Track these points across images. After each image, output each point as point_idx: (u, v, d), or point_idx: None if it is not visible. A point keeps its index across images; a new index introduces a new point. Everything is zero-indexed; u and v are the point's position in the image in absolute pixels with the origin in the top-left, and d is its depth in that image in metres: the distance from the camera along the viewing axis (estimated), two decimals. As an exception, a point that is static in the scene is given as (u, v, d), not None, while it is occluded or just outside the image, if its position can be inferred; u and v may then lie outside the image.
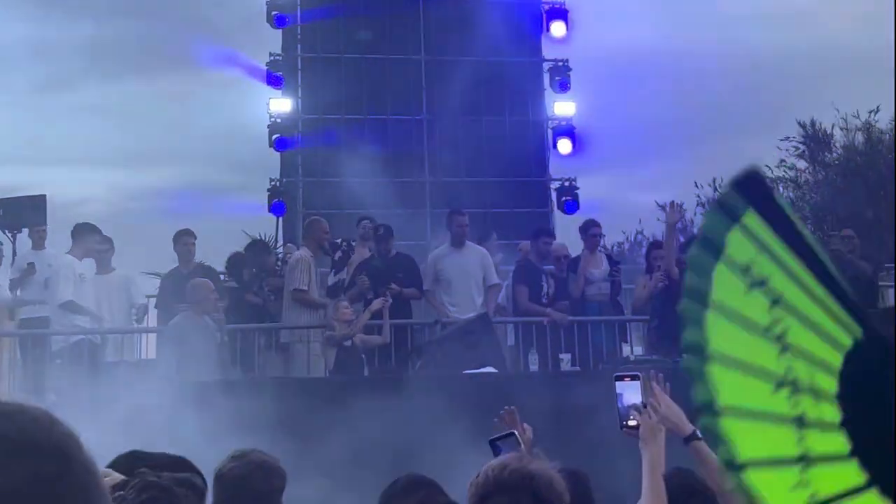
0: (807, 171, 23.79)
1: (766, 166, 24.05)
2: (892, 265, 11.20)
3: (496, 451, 3.51)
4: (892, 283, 10.98)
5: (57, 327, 9.82)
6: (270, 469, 3.37)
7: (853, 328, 0.96)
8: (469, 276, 10.46)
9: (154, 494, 1.90)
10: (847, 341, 0.96)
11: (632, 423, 3.46)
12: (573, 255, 11.39)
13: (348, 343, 9.52)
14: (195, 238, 10.79)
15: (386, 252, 10.58)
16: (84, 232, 10.24)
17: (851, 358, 0.95)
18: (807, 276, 0.97)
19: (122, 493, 1.91)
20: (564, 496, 2.63)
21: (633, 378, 3.52)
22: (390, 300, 9.91)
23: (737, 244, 0.98)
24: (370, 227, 11.14)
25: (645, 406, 3.44)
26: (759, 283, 0.97)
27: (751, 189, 1.00)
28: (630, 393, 3.52)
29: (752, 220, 0.99)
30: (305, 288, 10.12)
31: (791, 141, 24.09)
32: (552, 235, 11.59)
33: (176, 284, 10.17)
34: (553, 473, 2.67)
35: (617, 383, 3.55)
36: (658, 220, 24.34)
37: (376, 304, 9.76)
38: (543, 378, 9.37)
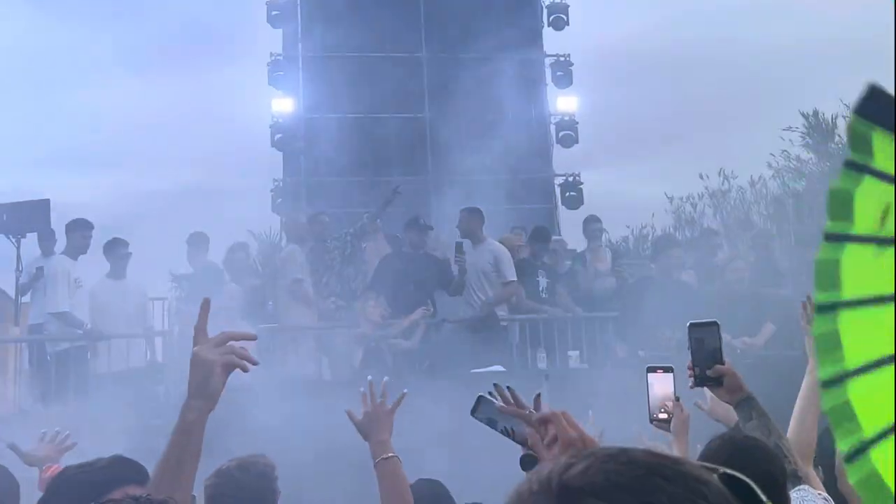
0: (811, 161, 23.72)
1: (771, 154, 23.98)
2: None
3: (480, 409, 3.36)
4: None
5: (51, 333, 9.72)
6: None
7: None
8: (479, 272, 10.36)
9: None
10: None
11: (662, 416, 3.41)
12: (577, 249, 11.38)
13: (373, 344, 9.44)
14: (202, 241, 10.69)
15: (418, 246, 10.40)
16: (76, 228, 10.11)
17: None
18: None
19: None
20: None
21: (666, 371, 3.45)
22: (431, 309, 9.82)
23: (864, 205, 0.92)
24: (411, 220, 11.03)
25: (678, 399, 3.40)
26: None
27: (877, 109, 0.92)
28: (662, 385, 3.45)
29: (880, 146, 0.92)
30: (301, 277, 10.06)
31: (794, 130, 24.03)
32: (549, 233, 11.48)
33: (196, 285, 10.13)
34: None
35: (649, 375, 3.46)
36: (665, 211, 24.24)
37: (418, 313, 9.66)
38: (552, 375, 9.30)
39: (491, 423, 3.26)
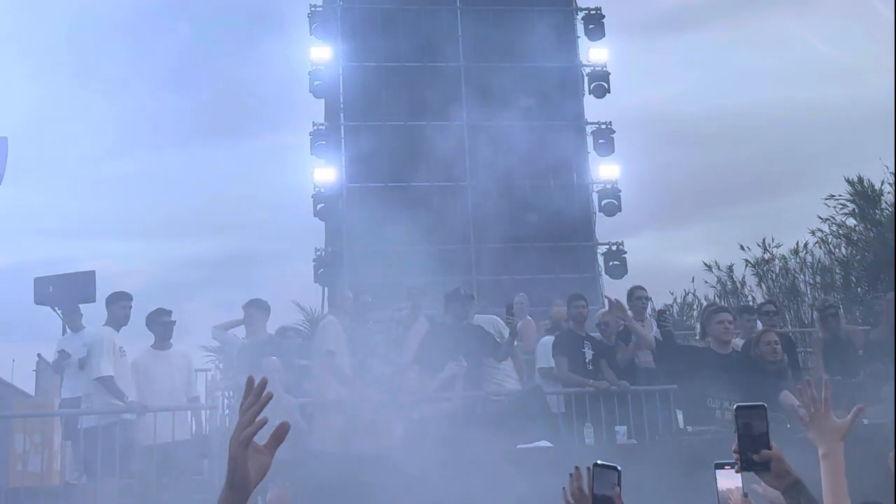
0: (857, 228, 23.46)
1: (819, 218, 23.72)
2: None
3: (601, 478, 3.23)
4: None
5: (89, 404, 9.62)
6: None
7: None
8: None
9: None
10: None
11: None
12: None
13: (416, 416, 9.28)
14: (264, 308, 10.61)
15: (461, 317, 10.29)
16: (115, 300, 10.07)
17: None
18: None
19: None
20: None
21: (733, 466, 3.40)
22: (465, 364, 9.65)
23: None
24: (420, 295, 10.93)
25: (746, 496, 3.34)
26: None
27: None
28: (730, 482, 3.40)
29: None
30: (334, 349, 9.91)
31: (838, 199, 23.81)
32: (584, 298, 11.31)
33: (247, 356, 10.07)
34: None
35: (717, 472, 3.42)
36: (705, 282, 23.97)
37: (450, 368, 9.50)
38: (600, 452, 9.12)
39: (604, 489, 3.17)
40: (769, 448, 3.13)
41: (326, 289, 16.46)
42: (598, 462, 3.33)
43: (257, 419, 2.25)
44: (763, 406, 3.22)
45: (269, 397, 2.29)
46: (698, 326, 11.74)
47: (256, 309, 10.53)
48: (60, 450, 10.10)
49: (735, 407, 3.24)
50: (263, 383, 2.31)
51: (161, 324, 10.10)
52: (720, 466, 3.44)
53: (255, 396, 2.27)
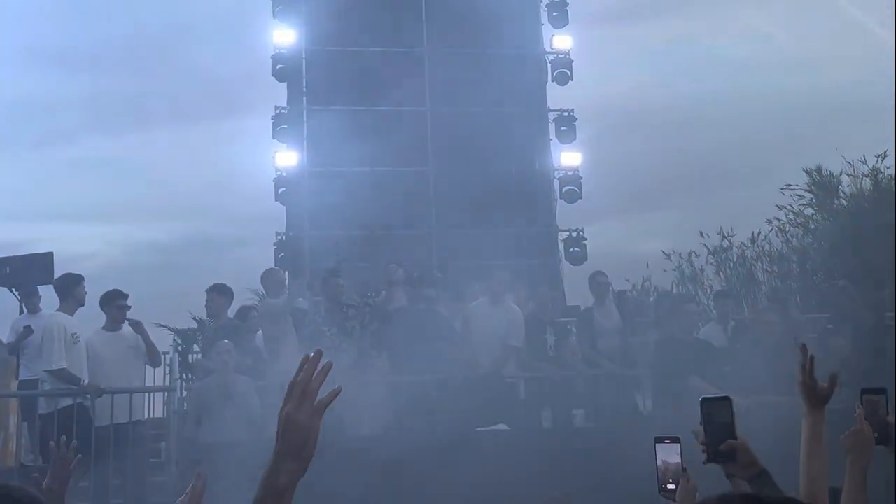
0: (814, 217, 23.66)
1: (777, 207, 23.91)
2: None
3: None
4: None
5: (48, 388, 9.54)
6: None
7: None
8: (491, 333, 10.29)
9: None
10: None
11: (670, 486, 3.44)
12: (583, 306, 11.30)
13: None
14: (226, 294, 10.58)
15: (416, 301, 10.34)
16: (70, 284, 9.96)
17: None
18: None
19: None
20: None
21: (673, 441, 3.48)
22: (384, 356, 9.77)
23: None
24: (399, 271, 11.00)
25: (684, 470, 3.42)
26: None
27: None
28: (669, 456, 3.46)
29: None
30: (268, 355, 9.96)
31: (795, 188, 23.96)
32: (546, 286, 11.41)
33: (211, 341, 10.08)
34: None
35: (657, 446, 3.51)
36: (664, 270, 24.09)
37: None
38: (557, 435, 9.19)
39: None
40: (735, 438, 3.21)
41: (287, 274, 16.40)
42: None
43: (333, 390, 2.21)
44: (727, 397, 3.28)
45: (330, 366, 2.24)
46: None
47: (218, 294, 10.50)
48: (16, 431, 10.01)
49: (700, 399, 3.32)
50: (318, 355, 2.25)
51: (115, 307, 10.00)
52: (660, 441, 3.54)
53: (313, 367, 2.21)
